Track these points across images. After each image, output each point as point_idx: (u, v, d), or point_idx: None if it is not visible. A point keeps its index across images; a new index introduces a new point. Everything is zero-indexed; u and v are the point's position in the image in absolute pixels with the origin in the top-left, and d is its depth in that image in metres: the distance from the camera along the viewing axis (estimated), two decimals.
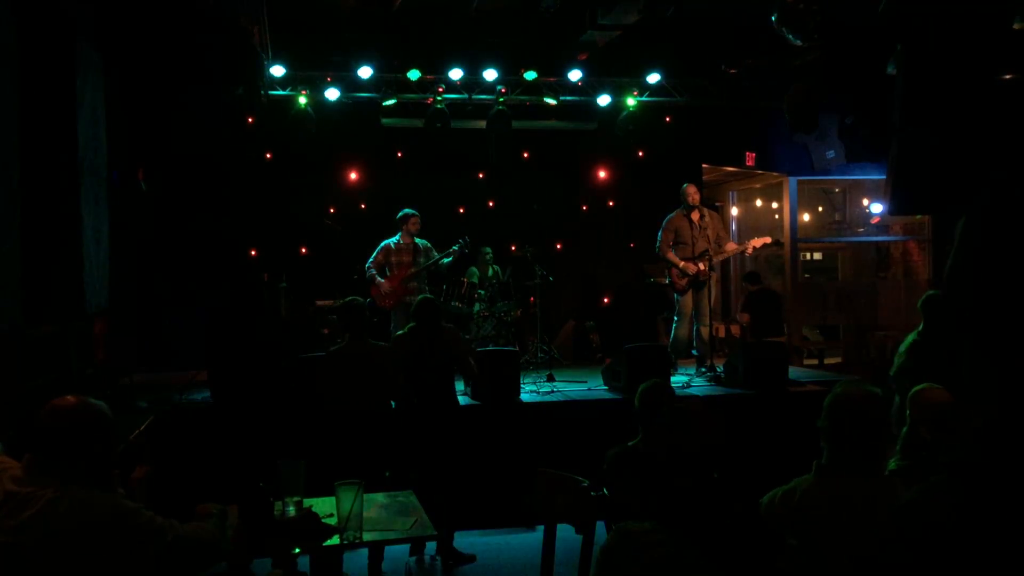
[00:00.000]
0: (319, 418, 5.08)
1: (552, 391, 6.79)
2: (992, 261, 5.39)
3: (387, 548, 4.10)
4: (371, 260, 7.43)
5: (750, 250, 7.48)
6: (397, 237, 7.43)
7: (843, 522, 2.29)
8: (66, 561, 2.10)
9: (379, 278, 7.38)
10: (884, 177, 5.50)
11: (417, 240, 7.45)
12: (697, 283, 7.50)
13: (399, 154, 9.51)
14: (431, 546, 4.93)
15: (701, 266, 7.41)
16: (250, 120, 8.66)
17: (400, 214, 7.43)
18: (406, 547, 4.77)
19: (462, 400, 5.87)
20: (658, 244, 7.60)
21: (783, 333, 9.53)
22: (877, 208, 10.59)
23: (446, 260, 7.50)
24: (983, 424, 2.00)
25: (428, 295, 5.57)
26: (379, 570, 3.89)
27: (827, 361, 10.43)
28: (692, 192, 7.53)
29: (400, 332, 5.24)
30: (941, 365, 4.90)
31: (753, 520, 1.97)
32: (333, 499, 2.91)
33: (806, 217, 11.05)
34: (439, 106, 8.18)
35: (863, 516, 2.27)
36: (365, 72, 8.02)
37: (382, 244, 7.46)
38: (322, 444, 4.77)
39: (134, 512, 2.21)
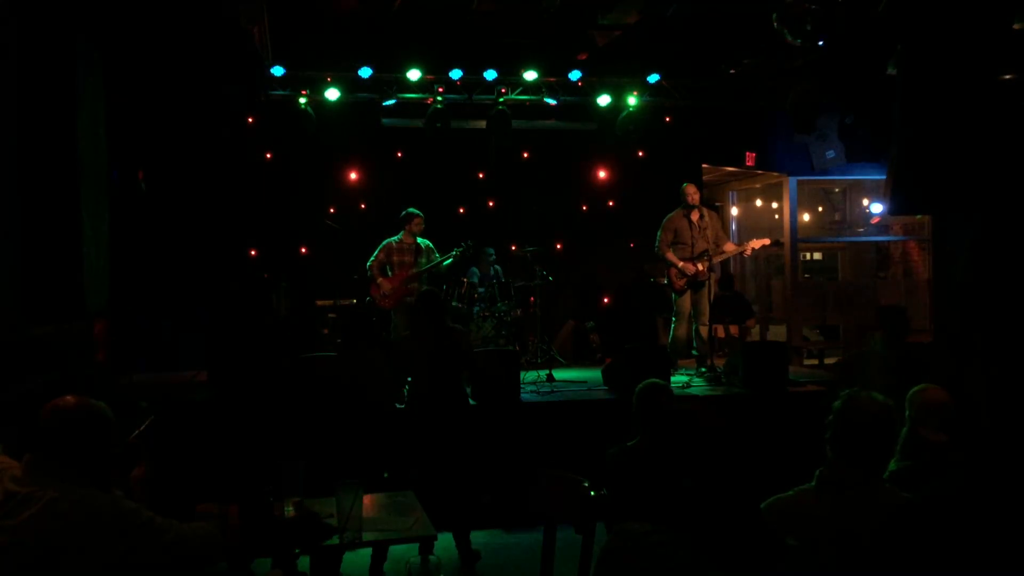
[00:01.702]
0: (318, 418, 5.08)
1: (552, 391, 6.79)
2: (1005, 272, 5.41)
3: (388, 548, 4.11)
4: (372, 259, 7.42)
5: (749, 251, 7.48)
6: (399, 236, 7.43)
7: (844, 533, 2.24)
8: (66, 561, 2.10)
9: (380, 277, 7.37)
10: (884, 177, 5.50)
11: (419, 240, 7.45)
12: (695, 283, 7.51)
13: (399, 154, 9.52)
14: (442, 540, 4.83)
15: (700, 266, 7.41)
16: (250, 120, 8.66)
17: (404, 213, 7.43)
18: (407, 547, 4.74)
19: None
20: (657, 244, 7.62)
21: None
22: (877, 208, 10.58)
23: (447, 262, 7.50)
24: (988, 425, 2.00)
25: (429, 288, 5.39)
26: (380, 571, 3.89)
27: (827, 361, 10.40)
28: (692, 192, 7.54)
29: (405, 333, 5.15)
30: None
31: (753, 520, 1.97)
32: (333, 499, 2.91)
33: (806, 217, 11.04)
34: (439, 106, 8.18)
35: (864, 527, 2.22)
36: (365, 72, 8.02)
37: (384, 242, 7.45)
38: (322, 444, 4.78)
39: (134, 512, 2.21)
